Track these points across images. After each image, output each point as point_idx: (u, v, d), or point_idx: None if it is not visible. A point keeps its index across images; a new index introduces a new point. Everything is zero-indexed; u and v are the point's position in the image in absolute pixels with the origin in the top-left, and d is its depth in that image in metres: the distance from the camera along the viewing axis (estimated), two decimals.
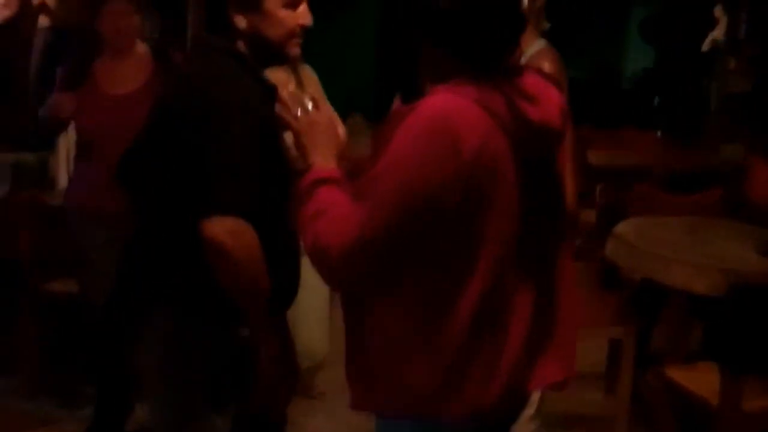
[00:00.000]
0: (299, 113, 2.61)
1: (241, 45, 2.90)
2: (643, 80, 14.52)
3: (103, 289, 4.32)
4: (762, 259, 4.42)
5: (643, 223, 5.13)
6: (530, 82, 2.39)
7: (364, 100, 11.65)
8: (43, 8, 8.53)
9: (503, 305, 2.33)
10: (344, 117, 4.23)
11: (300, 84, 4.13)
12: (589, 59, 14.33)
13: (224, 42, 2.90)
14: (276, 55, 2.97)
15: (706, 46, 10.02)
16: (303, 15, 2.93)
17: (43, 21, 8.58)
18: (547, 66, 3.80)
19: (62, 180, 6.34)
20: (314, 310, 4.61)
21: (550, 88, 2.46)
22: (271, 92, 2.97)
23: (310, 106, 2.62)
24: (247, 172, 2.76)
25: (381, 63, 16.40)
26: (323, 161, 2.52)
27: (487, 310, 2.29)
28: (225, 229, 2.70)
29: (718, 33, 9.83)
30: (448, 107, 2.21)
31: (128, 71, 4.80)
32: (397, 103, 2.77)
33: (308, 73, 4.22)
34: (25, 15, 8.70)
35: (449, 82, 2.28)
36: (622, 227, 4.96)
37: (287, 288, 3.06)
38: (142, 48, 4.91)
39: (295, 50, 2.97)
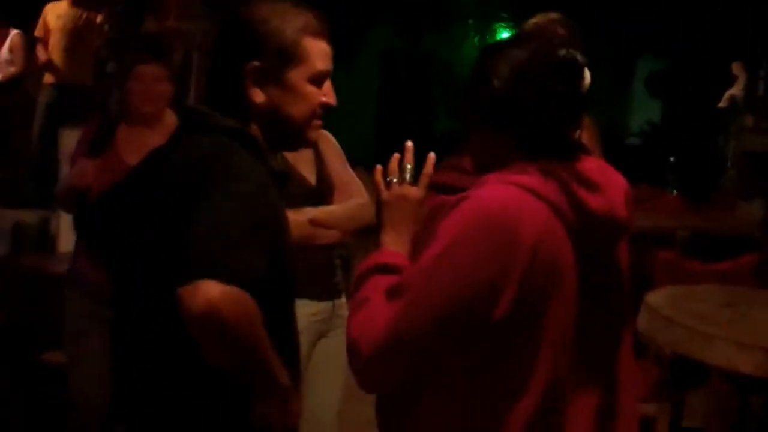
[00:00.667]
0: (394, 182, 2.33)
1: (253, 127, 2.50)
2: (651, 136, 14.39)
3: (89, 391, 4.07)
4: None
5: (677, 293, 4.88)
6: (591, 167, 2.21)
7: (365, 154, 11.67)
8: (49, 66, 8.44)
9: (561, 414, 2.14)
10: None
11: (317, 152, 3.86)
12: (593, 114, 14.23)
13: (230, 121, 2.46)
14: (294, 137, 2.57)
15: (723, 103, 9.90)
16: (328, 92, 2.55)
17: (47, 78, 8.50)
18: (584, 136, 3.56)
19: (64, 243, 6.10)
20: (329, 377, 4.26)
21: (614, 173, 2.28)
22: (280, 179, 2.59)
23: (408, 177, 2.33)
24: (248, 247, 2.26)
25: (382, 117, 16.43)
26: (393, 242, 2.27)
27: (543, 422, 2.09)
28: (217, 295, 2.15)
29: (736, 90, 9.70)
30: (504, 200, 2.03)
31: (153, 141, 4.37)
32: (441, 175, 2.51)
33: (327, 139, 3.96)
34: (30, 72, 8.60)
35: (502, 167, 2.12)
36: (654, 298, 4.71)
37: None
38: (171, 117, 4.49)
39: (314, 134, 2.59)
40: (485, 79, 2.13)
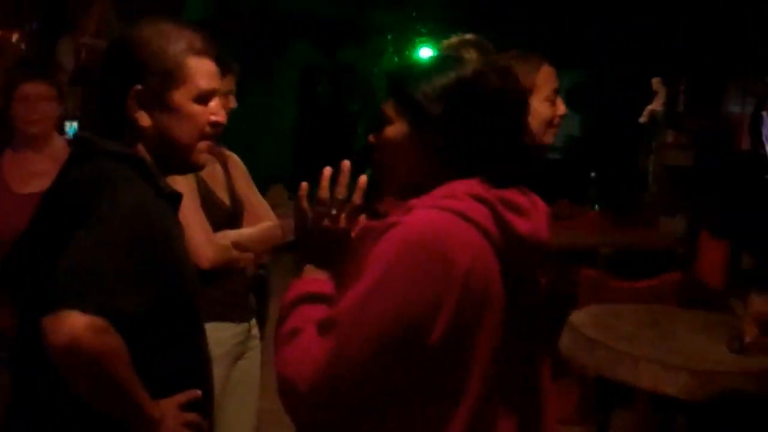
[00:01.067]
0: (322, 211, 2.21)
1: (141, 149, 2.44)
2: (571, 150, 14.41)
3: None
4: (735, 358, 4.12)
5: (600, 312, 4.82)
6: (517, 190, 2.15)
7: (284, 170, 11.60)
8: None
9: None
10: (265, 188, 3.92)
11: (227, 173, 3.78)
12: None
13: (117, 145, 2.40)
14: (182, 160, 2.50)
15: (644, 118, 9.91)
16: (215, 110, 2.48)
17: None
18: None
19: None
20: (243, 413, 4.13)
21: (536, 196, 2.24)
22: (173, 200, 2.50)
23: (337, 210, 2.20)
24: (119, 278, 2.19)
25: (301, 132, 16.34)
26: (315, 270, 2.20)
27: None
28: (80, 327, 2.09)
29: (656, 105, 9.73)
30: (434, 225, 1.97)
31: (41, 167, 4.08)
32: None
33: (235, 161, 3.89)
34: None
35: (431, 188, 2.07)
36: (577, 318, 4.64)
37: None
38: (59, 140, 4.28)
39: (202, 157, 2.52)
40: (437, 94, 2.08)
